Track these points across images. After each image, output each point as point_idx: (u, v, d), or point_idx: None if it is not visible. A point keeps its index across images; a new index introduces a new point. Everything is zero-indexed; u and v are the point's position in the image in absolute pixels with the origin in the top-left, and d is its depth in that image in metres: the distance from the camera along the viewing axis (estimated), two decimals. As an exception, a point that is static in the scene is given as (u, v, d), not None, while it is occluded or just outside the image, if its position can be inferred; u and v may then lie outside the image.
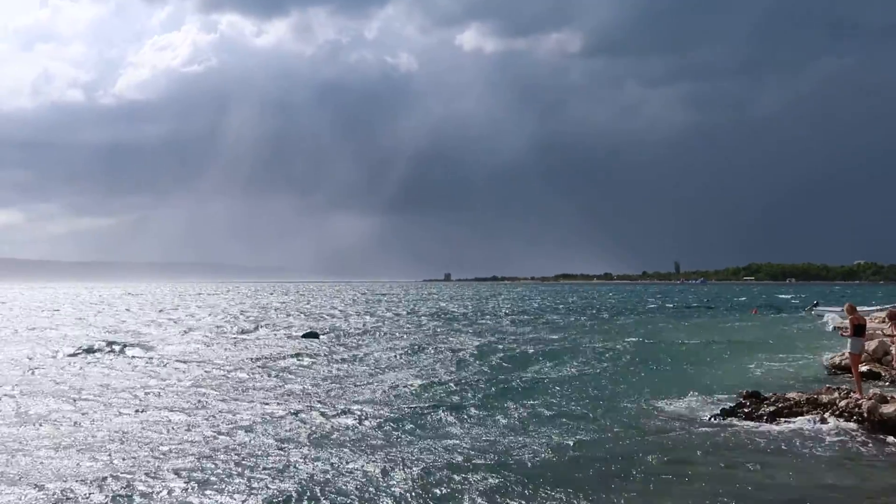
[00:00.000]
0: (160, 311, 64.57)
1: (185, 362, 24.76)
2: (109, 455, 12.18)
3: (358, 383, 20.45)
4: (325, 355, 27.23)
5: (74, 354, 27.03)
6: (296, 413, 15.70)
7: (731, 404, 16.06)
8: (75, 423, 14.80)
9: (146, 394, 18.38)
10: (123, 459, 11.90)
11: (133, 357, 26.54)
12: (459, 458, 12.05)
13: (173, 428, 14.32)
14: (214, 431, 14.02)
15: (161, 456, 12.10)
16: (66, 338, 34.23)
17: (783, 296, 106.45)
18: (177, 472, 11.03)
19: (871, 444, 12.99)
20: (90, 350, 28.14)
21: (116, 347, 28.93)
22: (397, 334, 37.65)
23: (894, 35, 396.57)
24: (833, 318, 36.75)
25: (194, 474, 10.96)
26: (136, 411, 16.03)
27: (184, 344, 31.85)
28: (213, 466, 11.40)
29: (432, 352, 28.51)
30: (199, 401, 17.40)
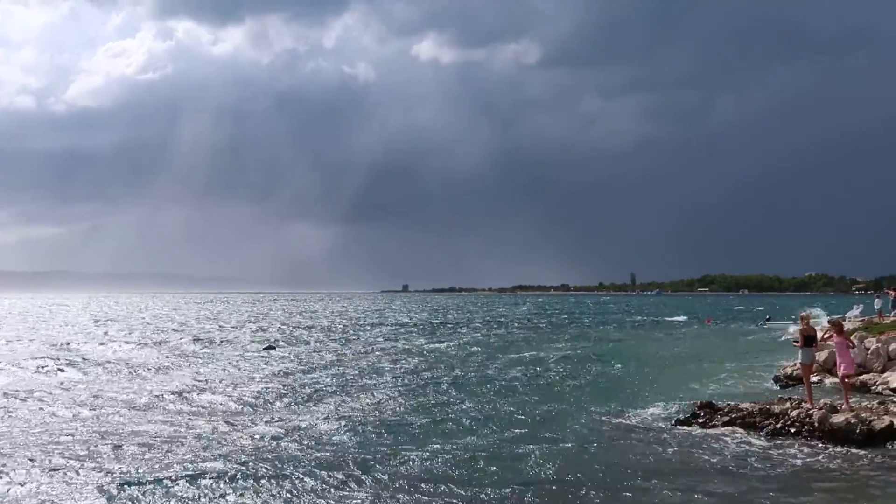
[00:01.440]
0: (112, 323, 63.06)
1: (121, 373, 24.10)
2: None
3: (312, 397, 20.09)
4: (280, 369, 26.75)
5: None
6: (232, 428, 15.34)
7: (686, 415, 16.12)
8: None
9: (100, 423, 17.80)
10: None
11: (81, 373, 25.72)
12: (403, 476, 11.85)
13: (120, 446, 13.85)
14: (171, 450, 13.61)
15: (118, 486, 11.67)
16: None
17: (737, 307, 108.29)
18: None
19: (821, 455, 13.10)
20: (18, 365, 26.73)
21: (57, 364, 27.34)
22: (352, 345, 37.28)
23: (846, 47, 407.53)
24: (793, 329, 37.45)
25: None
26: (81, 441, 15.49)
27: (120, 355, 31.07)
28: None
29: (388, 365, 28.25)
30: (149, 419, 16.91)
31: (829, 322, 18.50)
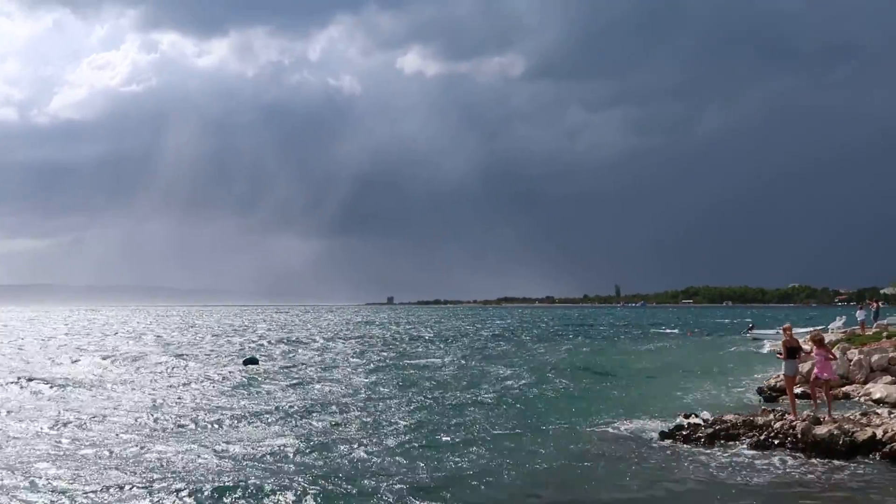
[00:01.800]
0: (102, 335, 62.36)
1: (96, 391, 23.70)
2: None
3: (288, 413, 19.82)
4: (263, 384, 26.43)
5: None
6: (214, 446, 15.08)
7: (670, 426, 16.01)
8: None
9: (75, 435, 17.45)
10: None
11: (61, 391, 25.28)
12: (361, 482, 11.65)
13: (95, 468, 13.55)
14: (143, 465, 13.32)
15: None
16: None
17: (720, 319, 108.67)
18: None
19: (804, 466, 13.05)
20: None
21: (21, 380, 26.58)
22: (334, 360, 36.99)
23: (831, 61, 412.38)
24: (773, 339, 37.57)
25: None
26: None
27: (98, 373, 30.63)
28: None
29: (369, 379, 28.03)
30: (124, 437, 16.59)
31: (809, 337, 18.44)
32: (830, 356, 16.38)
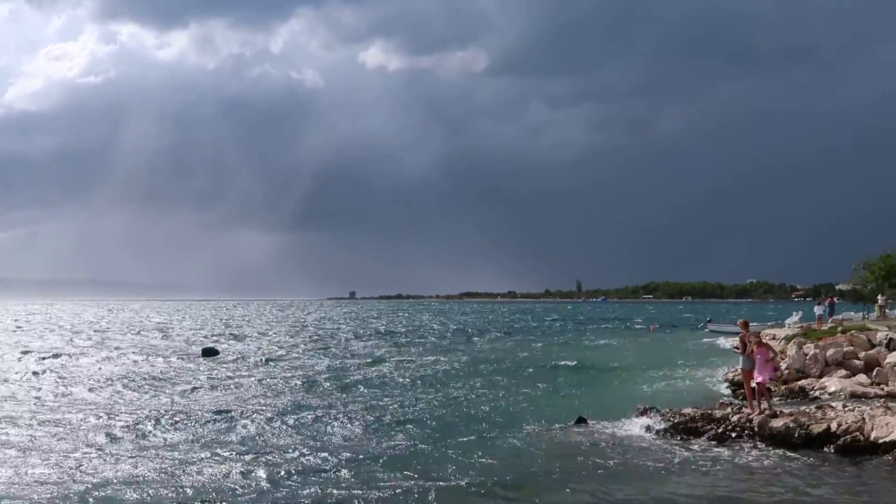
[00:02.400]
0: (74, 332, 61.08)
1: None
2: None
3: (253, 400, 19.57)
4: (225, 373, 26.08)
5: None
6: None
7: (630, 420, 16.09)
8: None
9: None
10: None
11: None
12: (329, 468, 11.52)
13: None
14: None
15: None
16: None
17: (680, 314, 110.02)
18: None
19: (760, 458, 13.19)
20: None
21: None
22: (292, 353, 36.69)
23: (787, 60, 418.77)
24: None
25: None
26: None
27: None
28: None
29: (329, 373, 27.83)
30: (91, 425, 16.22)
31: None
32: (772, 355, 15.90)
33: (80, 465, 12.42)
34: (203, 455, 13.27)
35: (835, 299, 50.85)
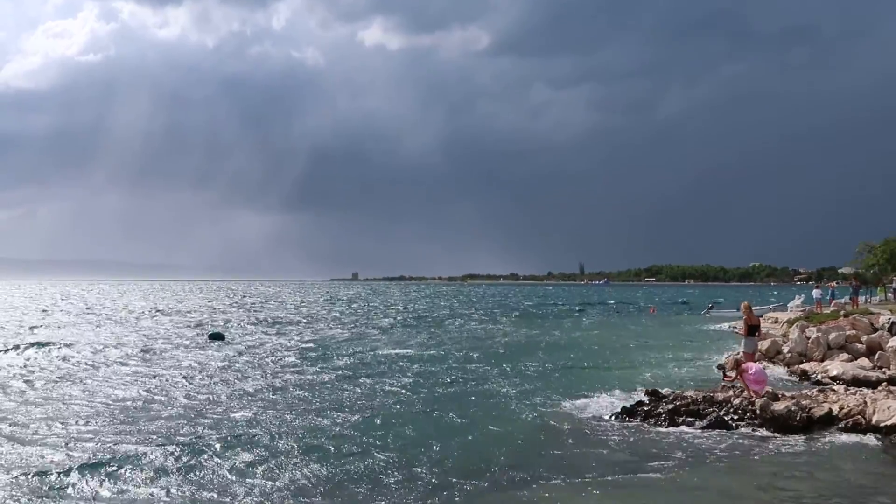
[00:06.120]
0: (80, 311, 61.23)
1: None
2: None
3: (263, 387, 19.65)
4: (232, 359, 26.17)
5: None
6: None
7: (632, 402, 16.12)
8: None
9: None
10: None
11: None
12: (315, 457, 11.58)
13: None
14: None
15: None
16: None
17: (684, 298, 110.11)
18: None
19: (761, 441, 13.23)
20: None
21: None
22: (294, 336, 36.79)
23: (788, 41, 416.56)
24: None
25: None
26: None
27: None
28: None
29: (336, 355, 27.91)
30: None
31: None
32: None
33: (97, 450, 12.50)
34: (193, 442, 13.35)
35: (835, 284, 51.20)
